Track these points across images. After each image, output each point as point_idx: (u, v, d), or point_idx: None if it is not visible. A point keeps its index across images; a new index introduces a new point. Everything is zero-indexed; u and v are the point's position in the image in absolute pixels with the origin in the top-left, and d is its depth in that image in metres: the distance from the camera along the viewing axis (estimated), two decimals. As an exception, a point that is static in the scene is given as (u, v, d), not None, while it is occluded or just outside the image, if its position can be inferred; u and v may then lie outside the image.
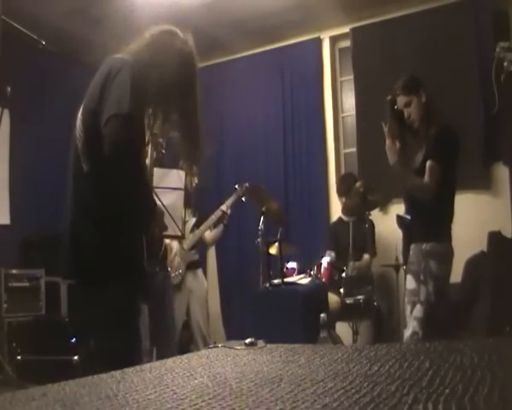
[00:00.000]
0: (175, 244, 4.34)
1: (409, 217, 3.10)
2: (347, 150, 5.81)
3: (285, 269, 4.47)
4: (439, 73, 4.81)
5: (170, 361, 1.80)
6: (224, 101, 6.09)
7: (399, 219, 3.18)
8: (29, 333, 4.38)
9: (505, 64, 3.39)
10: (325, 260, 4.38)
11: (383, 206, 5.00)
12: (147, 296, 2.16)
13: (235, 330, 5.56)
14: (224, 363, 1.70)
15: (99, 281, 2.03)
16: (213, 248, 6.03)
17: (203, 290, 4.60)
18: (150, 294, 2.20)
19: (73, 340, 4.17)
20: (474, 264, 4.18)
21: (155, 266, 3.21)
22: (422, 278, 2.91)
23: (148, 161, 2.25)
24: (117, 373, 1.54)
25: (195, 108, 2.19)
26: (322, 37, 5.77)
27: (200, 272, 4.62)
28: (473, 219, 4.47)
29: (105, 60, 2.11)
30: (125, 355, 1.96)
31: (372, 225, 4.66)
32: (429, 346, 1.87)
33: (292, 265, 4.70)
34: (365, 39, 5.46)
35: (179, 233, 2.78)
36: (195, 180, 4.56)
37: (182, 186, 2.90)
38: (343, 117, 5.91)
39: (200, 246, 4.72)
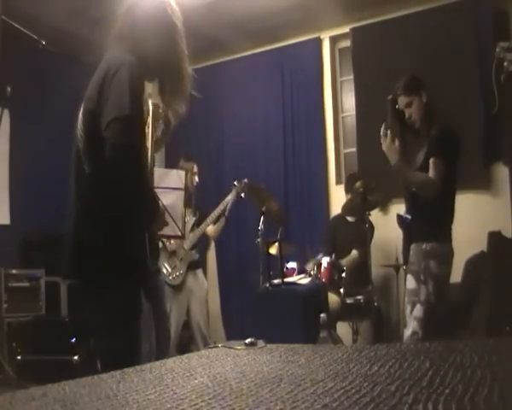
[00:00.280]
0: (175, 244, 4.35)
1: (409, 217, 3.10)
2: (347, 150, 5.82)
3: (285, 269, 4.47)
4: (439, 73, 4.81)
5: (170, 361, 1.79)
6: (223, 101, 6.09)
7: (400, 218, 3.18)
8: (29, 333, 4.38)
9: (505, 64, 3.39)
10: (325, 260, 4.38)
11: (383, 206, 5.00)
12: (149, 296, 2.16)
13: (235, 330, 5.55)
14: (224, 363, 1.70)
15: (101, 281, 2.03)
16: (213, 248, 6.04)
17: (203, 290, 4.60)
18: (152, 293, 2.19)
19: (73, 340, 4.17)
20: (474, 264, 4.18)
21: (156, 264, 3.21)
22: (422, 278, 2.91)
23: (148, 143, 2.24)
24: (117, 373, 1.54)
25: (181, 59, 2.18)
26: (322, 37, 5.77)
27: (200, 272, 4.62)
28: (473, 219, 4.47)
29: (103, 58, 2.11)
30: (126, 355, 1.96)
31: (372, 227, 4.65)
32: (429, 346, 1.87)
33: (292, 265, 4.70)
34: (365, 39, 5.46)
35: (179, 233, 2.78)
36: (196, 179, 4.57)
37: (182, 186, 2.90)
38: (343, 117, 5.91)
39: (201, 246, 4.72)
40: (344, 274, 4.37)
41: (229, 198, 4.48)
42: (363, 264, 4.51)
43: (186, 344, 4.55)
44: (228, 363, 1.69)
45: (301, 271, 4.55)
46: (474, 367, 1.38)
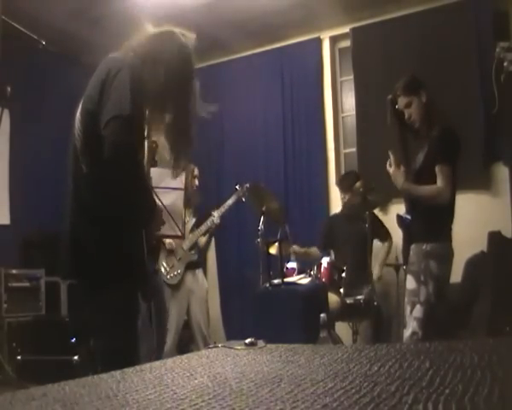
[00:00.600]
0: (174, 244, 4.35)
1: (409, 217, 3.11)
2: (347, 150, 5.81)
3: (285, 269, 4.47)
4: (439, 73, 4.81)
5: (170, 361, 1.80)
6: (224, 101, 6.06)
7: (400, 219, 3.18)
8: (29, 333, 4.38)
9: (505, 64, 3.40)
10: (325, 260, 4.38)
11: (383, 206, 5.00)
12: (148, 295, 2.16)
13: (235, 330, 5.55)
14: (224, 363, 1.70)
15: (99, 281, 2.03)
16: (213, 248, 6.04)
17: (203, 290, 4.60)
18: (150, 292, 2.20)
19: (73, 340, 4.17)
20: (474, 264, 4.18)
21: (154, 264, 3.22)
22: (422, 279, 2.91)
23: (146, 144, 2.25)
24: (117, 373, 1.54)
25: (188, 108, 2.20)
26: (322, 37, 5.77)
27: (200, 272, 4.62)
28: (473, 219, 4.47)
29: (103, 59, 2.11)
30: (125, 355, 1.96)
31: (374, 216, 4.63)
32: (429, 346, 1.87)
33: (292, 265, 4.69)
34: (365, 39, 5.46)
35: (179, 233, 2.78)
36: (196, 182, 4.57)
37: (182, 186, 2.90)
38: (343, 117, 5.91)
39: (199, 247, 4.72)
40: (344, 274, 4.37)
41: (230, 202, 4.48)
42: (363, 264, 4.51)
43: (186, 344, 4.55)
44: (228, 363, 1.69)
45: (301, 271, 4.55)
46: (474, 367, 1.38)
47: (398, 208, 3.42)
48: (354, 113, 5.61)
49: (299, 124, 5.81)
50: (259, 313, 3.87)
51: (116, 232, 2.01)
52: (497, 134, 4.71)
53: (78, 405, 1.16)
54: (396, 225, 3.25)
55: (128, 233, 2.04)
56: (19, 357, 4.21)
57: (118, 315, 2.00)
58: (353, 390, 1.19)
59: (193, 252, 4.50)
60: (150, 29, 2.19)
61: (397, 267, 4.64)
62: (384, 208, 5.03)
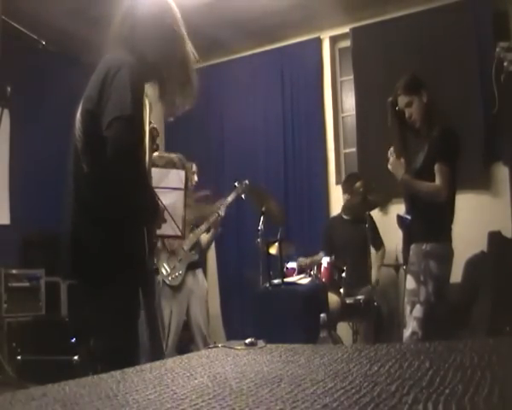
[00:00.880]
0: (175, 245, 4.35)
1: (409, 217, 3.11)
2: (347, 150, 5.81)
3: (285, 269, 4.46)
4: (439, 73, 4.81)
5: (170, 361, 1.80)
6: (223, 101, 6.09)
7: (400, 219, 3.18)
8: (29, 333, 4.37)
9: (505, 64, 3.40)
10: (325, 260, 4.38)
11: (383, 206, 5.00)
12: (147, 295, 2.16)
13: (235, 330, 5.55)
14: (224, 363, 1.70)
15: (99, 280, 2.03)
16: (213, 248, 6.03)
17: (203, 291, 4.60)
18: (150, 292, 2.19)
19: (73, 340, 4.17)
20: (474, 264, 4.18)
21: (154, 264, 3.21)
22: (422, 279, 2.91)
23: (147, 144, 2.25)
24: (117, 373, 1.54)
25: (187, 66, 2.19)
26: (322, 37, 5.77)
27: (200, 272, 4.61)
28: (473, 219, 4.47)
29: (103, 58, 2.11)
30: (125, 355, 1.96)
31: (372, 221, 4.66)
32: (429, 346, 1.87)
33: (292, 265, 4.70)
34: (365, 39, 5.46)
35: (179, 233, 2.78)
36: (195, 179, 4.57)
37: (182, 186, 2.90)
38: (343, 117, 5.91)
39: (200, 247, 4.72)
40: (344, 274, 4.37)
41: (230, 199, 4.48)
42: (363, 264, 4.52)
43: (186, 344, 4.54)
44: (228, 363, 1.69)
45: (301, 271, 4.55)
46: (474, 367, 1.38)
47: (398, 208, 3.42)
48: (354, 113, 5.61)
49: (299, 124, 5.81)
50: (259, 313, 3.87)
51: (117, 232, 2.01)
52: (497, 134, 4.71)
53: (78, 405, 1.16)
54: (396, 225, 3.24)
55: (129, 233, 2.04)
56: (19, 357, 4.21)
57: (118, 315, 2.00)
58: (353, 390, 1.19)
59: (193, 252, 4.49)
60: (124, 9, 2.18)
61: (397, 267, 4.65)
62: (384, 208, 5.04)
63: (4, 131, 4.70)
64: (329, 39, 5.80)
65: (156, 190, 2.36)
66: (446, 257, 2.99)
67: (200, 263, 4.73)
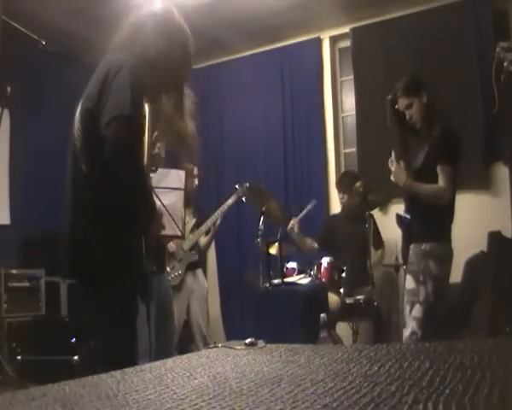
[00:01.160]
0: (175, 245, 4.35)
1: (408, 216, 3.11)
2: (347, 150, 5.81)
3: (285, 269, 4.46)
4: (439, 73, 4.81)
5: (170, 361, 1.80)
6: (223, 101, 6.08)
7: (399, 218, 3.18)
8: (29, 333, 4.37)
9: (505, 64, 3.40)
10: (325, 260, 4.38)
11: (383, 206, 5.00)
12: (147, 296, 2.16)
13: (235, 330, 5.55)
14: (224, 363, 1.70)
15: (99, 281, 2.03)
16: (213, 248, 6.03)
17: (203, 291, 4.60)
18: (150, 293, 2.19)
19: (73, 340, 4.17)
20: (474, 264, 4.18)
21: (154, 265, 3.21)
22: (422, 279, 2.91)
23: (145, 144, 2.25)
24: (117, 373, 1.54)
25: (181, 91, 2.21)
26: (322, 37, 5.77)
27: (200, 272, 4.62)
28: (473, 219, 4.47)
29: (103, 59, 2.11)
30: (125, 355, 1.96)
31: (373, 221, 4.67)
32: (429, 346, 1.87)
33: (292, 265, 4.69)
34: (365, 39, 5.46)
35: (179, 233, 2.78)
36: (196, 182, 4.57)
37: (182, 186, 2.90)
38: (343, 117, 5.91)
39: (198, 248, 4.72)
40: (344, 274, 4.37)
41: (230, 202, 4.48)
42: (363, 264, 4.52)
43: (186, 344, 4.55)
44: (228, 363, 1.69)
45: (301, 271, 4.55)
46: (474, 367, 1.38)
47: (398, 208, 3.42)
48: (354, 113, 5.61)
49: (299, 124, 5.80)
50: (259, 313, 3.87)
51: (115, 232, 2.01)
52: (497, 134, 4.71)
53: (78, 405, 1.16)
54: (396, 224, 3.24)
55: (127, 233, 2.04)
56: (19, 357, 4.21)
57: (117, 315, 2.00)
58: (353, 390, 1.19)
59: (193, 252, 4.50)
60: (142, 12, 2.19)
61: (397, 267, 4.65)
62: (384, 208, 5.04)
63: (4, 131, 4.70)
64: (329, 39, 5.79)
65: (156, 190, 2.36)
66: (446, 257, 2.99)
67: (200, 263, 4.74)
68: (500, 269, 3.88)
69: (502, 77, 3.48)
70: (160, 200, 2.31)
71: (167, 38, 2.13)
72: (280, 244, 4.30)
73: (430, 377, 1.29)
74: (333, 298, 4.23)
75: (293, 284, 4.14)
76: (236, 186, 4.53)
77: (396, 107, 3.12)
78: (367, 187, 4.36)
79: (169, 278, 4.30)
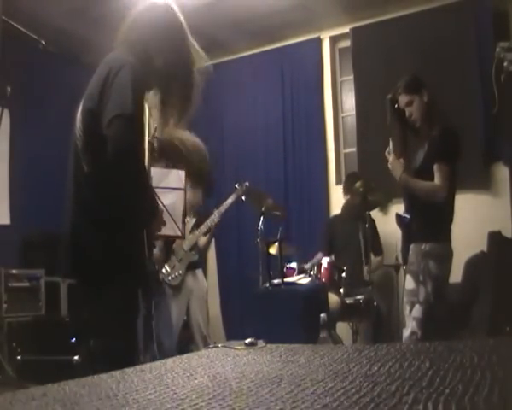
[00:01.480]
0: (175, 245, 4.34)
1: (408, 216, 3.11)
2: (347, 150, 5.81)
3: (285, 269, 4.46)
4: (439, 73, 4.81)
5: (170, 361, 1.79)
6: (224, 101, 6.08)
7: (399, 218, 3.18)
8: (29, 333, 4.37)
9: (505, 64, 3.39)
10: (325, 260, 4.38)
11: (383, 206, 5.00)
12: (148, 295, 2.16)
13: (235, 331, 5.55)
14: (224, 363, 1.70)
15: (99, 280, 2.03)
16: (213, 248, 6.03)
17: (203, 291, 4.59)
18: (151, 292, 2.19)
19: (73, 340, 4.17)
20: (473, 264, 4.18)
21: (155, 265, 3.22)
22: (421, 279, 2.91)
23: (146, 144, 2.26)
24: (117, 373, 1.54)
25: (191, 74, 2.22)
26: (322, 37, 5.77)
27: (200, 272, 4.61)
28: (473, 219, 4.47)
29: (104, 59, 2.11)
30: (125, 355, 1.96)
31: (373, 225, 4.67)
32: (429, 346, 1.87)
33: (292, 265, 4.69)
34: (365, 39, 5.46)
35: (179, 233, 2.78)
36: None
37: (182, 186, 2.90)
38: (343, 117, 5.91)
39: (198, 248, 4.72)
40: (344, 274, 4.37)
41: (230, 201, 4.48)
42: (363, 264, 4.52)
43: (186, 344, 4.54)
44: (228, 363, 1.69)
45: (301, 271, 4.55)
46: (474, 367, 1.38)
47: (398, 208, 3.42)
48: (354, 113, 5.61)
49: (299, 124, 5.80)
50: (259, 313, 3.87)
51: (117, 231, 2.01)
52: (497, 134, 4.71)
53: (78, 405, 1.16)
54: (395, 224, 3.24)
55: (128, 233, 2.04)
56: (19, 357, 4.21)
57: (118, 315, 2.00)
58: (353, 390, 1.19)
59: (193, 252, 4.49)
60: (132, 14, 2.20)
61: (397, 267, 4.65)
62: (384, 208, 5.04)
63: (4, 131, 4.70)
64: (329, 39, 5.79)
65: (156, 190, 2.36)
66: (445, 257, 2.99)
67: (201, 263, 4.73)
68: (500, 269, 3.88)
69: (502, 77, 3.48)
70: (160, 200, 2.31)
71: (165, 29, 2.14)
72: (280, 244, 4.30)
73: (430, 377, 1.29)
74: (333, 298, 4.23)
75: (293, 284, 4.13)
76: (236, 185, 4.52)
77: (396, 106, 3.12)
78: (367, 187, 4.36)
79: (169, 277, 4.31)
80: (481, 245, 4.13)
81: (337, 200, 5.30)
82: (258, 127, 5.96)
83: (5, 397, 1.25)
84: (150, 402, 1.16)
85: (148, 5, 2.20)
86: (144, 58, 2.08)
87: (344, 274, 4.38)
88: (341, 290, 4.32)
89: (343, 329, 4.68)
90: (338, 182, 5.60)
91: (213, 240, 5.58)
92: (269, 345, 2.05)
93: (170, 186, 2.79)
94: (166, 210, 2.36)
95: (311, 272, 4.31)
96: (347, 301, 4.30)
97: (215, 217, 4.45)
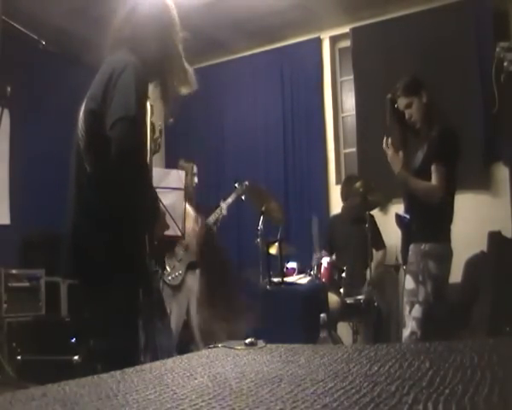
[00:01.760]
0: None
1: (408, 216, 3.11)
2: (347, 150, 5.81)
3: (285, 269, 4.46)
4: (439, 73, 4.81)
5: (170, 361, 1.79)
6: (224, 101, 6.09)
7: (398, 218, 3.18)
8: (29, 333, 4.37)
9: (505, 64, 3.39)
10: (325, 260, 4.38)
11: (383, 206, 5.00)
12: (150, 295, 2.16)
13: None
14: (224, 363, 1.70)
15: (100, 281, 2.03)
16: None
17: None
18: (152, 292, 2.19)
19: (73, 340, 4.17)
20: (474, 264, 4.18)
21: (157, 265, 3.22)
22: (421, 279, 2.91)
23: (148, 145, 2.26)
24: (117, 373, 1.53)
25: (180, 59, 2.22)
26: (322, 37, 5.77)
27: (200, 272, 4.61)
28: (473, 219, 4.47)
29: (106, 59, 2.11)
30: (125, 355, 1.96)
31: (374, 221, 4.67)
32: (429, 346, 1.87)
33: (292, 265, 4.69)
34: (365, 39, 5.46)
35: (179, 233, 2.78)
36: (195, 180, 4.58)
37: (182, 186, 2.90)
38: (343, 117, 5.91)
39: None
40: (344, 274, 4.37)
41: (230, 200, 4.49)
42: (363, 264, 4.52)
43: (186, 344, 4.55)
44: (228, 363, 1.69)
45: (301, 271, 4.55)
46: (474, 367, 1.38)
47: (398, 208, 3.42)
48: (354, 113, 5.62)
49: (299, 124, 5.81)
50: (259, 312, 3.87)
51: (118, 232, 2.01)
52: (497, 134, 4.71)
53: (78, 405, 1.16)
54: (395, 224, 3.24)
55: (130, 233, 2.04)
56: (19, 357, 4.20)
57: (118, 315, 2.00)
58: (353, 390, 1.19)
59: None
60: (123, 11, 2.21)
61: (397, 267, 4.65)
62: (384, 208, 5.04)
63: (4, 131, 4.70)
64: (329, 39, 5.80)
65: (156, 190, 2.36)
66: (445, 257, 2.99)
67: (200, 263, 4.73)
68: (500, 269, 3.88)
69: (502, 77, 3.48)
70: (160, 200, 2.32)
71: (161, 35, 2.15)
72: (280, 244, 4.31)
73: (430, 377, 1.29)
74: (333, 298, 4.23)
75: (293, 283, 4.14)
76: (236, 185, 4.53)
77: (396, 106, 3.12)
78: (367, 187, 4.36)
79: (169, 277, 4.31)
80: (481, 245, 4.14)
81: (337, 200, 5.30)
82: (258, 127, 5.96)
83: (5, 397, 1.24)
84: (150, 402, 1.15)
85: (141, 6, 2.21)
86: (139, 54, 2.09)
87: (344, 274, 4.38)
88: (341, 290, 4.32)
89: (343, 329, 4.69)
90: (338, 182, 5.61)
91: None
92: (269, 345, 2.04)
93: (170, 186, 2.80)
94: (167, 210, 2.37)
95: (311, 272, 4.31)
96: (347, 301, 4.30)
97: (215, 216, 4.45)
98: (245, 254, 5.60)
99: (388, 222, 4.62)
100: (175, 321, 4.29)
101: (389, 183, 3.28)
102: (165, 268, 4.13)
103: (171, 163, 4.84)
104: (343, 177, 5.56)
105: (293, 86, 5.86)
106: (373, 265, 4.58)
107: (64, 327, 4.35)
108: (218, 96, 5.97)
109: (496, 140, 4.75)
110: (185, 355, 1.99)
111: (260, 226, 4.42)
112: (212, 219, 4.47)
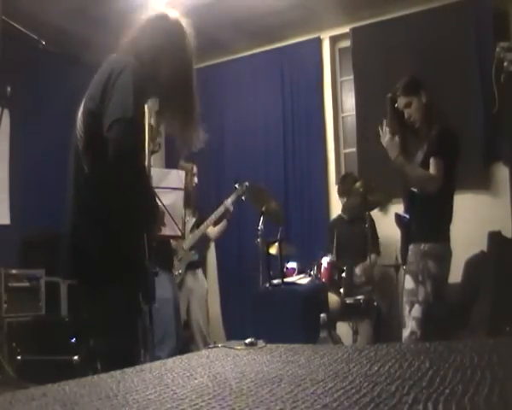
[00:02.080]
0: (175, 244, 4.35)
1: (407, 216, 3.11)
2: (347, 150, 5.81)
3: (285, 269, 4.46)
4: (439, 73, 4.81)
5: (170, 361, 1.79)
6: (224, 101, 6.09)
7: (398, 218, 3.19)
8: (29, 333, 4.37)
9: (505, 64, 3.39)
10: (325, 260, 4.38)
11: (383, 206, 5.00)
12: (149, 297, 2.16)
13: (235, 331, 5.55)
14: (224, 363, 1.70)
15: (99, 282, 2.03)
16: (213, 248, 6.03)
17: (203, 290, 4.60)
18: (151, 294, 2.19)
19: (73, 340, 4.17)
20: (473, 264, 4.18)
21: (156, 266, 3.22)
22: (421, 279, 2.91)
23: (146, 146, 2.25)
24: (117, 373, 1.54)
25: (192, 93, 2.20)
26: (322, 37, 5.77)
27: (199, 272, 4.62)
28: (473, 219, 4.47)
29: (106, 59, 2.11)
30: (125, 355, 1.96)
31: (373, 224, 4.67)
32: (429, 346, 1.87)
33: (292, 265, 4.69)
34: (365, 39, 5.46)
35: (179, 233, 2.78)
36: (195, 180, 4.57)
37: (182, 186, 2.90)
38: (343, 117, 5.91)
39: (200, 246, 4.72)
40: (344, 274, 4.37)
41: (230, 200, 4.49)
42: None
43: (186, 344, 4.55)
44: (228, 363, 1.69)
45: (301, 271, 4.55)
46: (474, 367, 1.38)
47: (398, 208, 3.42)
48: (354, 113, 5.61)
49: (299, 124, 5.81)
50: (259, 313, 3.87)
51: (117, 233, 2.01)
52: (497, 134, 4.71)
53: (78, 405, 1.16)
54: (395, 224, 3.24)
55: (129, 234, 2.04)
56: (19, 357, 4.20)
57: (118, 315, 2.00)
58: (353, 390, 1.19)
59: (193, 252, 4.50)
60: (142, 20, 2.20)
61: (396, 267, 4.65)
62: (384, 208, 5.04)
63: (4, 131, 4.70)
64: (329, 39, 5.80)
65: (156, 190, 2.36)
66: (445, 257, 2.99)
67: (200, 263, 4.74)
68: (500, 269, 3.88)
69: (502, 77, 3.48)
70: (160, 200, 2.32)
71: (170, 41, 2.14)
72: (280, 244, 4.31)
73: (430, 377, 1.29)
74: (333, 298, 4.23)
75: (293, 284, 4.14)
76: (236, 185, 4.53)
77: (395, 105, 3.12)
78: (367, 187, 4.36)
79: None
80: (481, 245, 4.13)
81: (337, 200, 5.30)
82: (258, 127, 5.96)
83: (5, 397, 1.25)
84: (150, 402, 1.16)
85: (159, 15, 2.20)
86: (149, 66, 2.08)
87: (344, 274, 4.38)
88: (341, 290, 4.32)
89: (343, 329, 4.68)
90: (338, 182, 5.60)
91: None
92: (269, 345, 2.05)
93: (170, 186, 2.80)
94: (166, 210, 2.37)
95: (311, 272, 4.31)
96: (347, 301, 4.30)
97: (214, 216, 4.44)
98: (245, 255, 5.60)
99: (388, 222, 4.61)
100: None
101: (389, 183, 3.28)
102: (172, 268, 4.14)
103: (171, 163, 4.84)
104: (343, 177, 5.56)
105: (293, 86, 5.86)
106: (363, 265, 4.58)
107: (64, 327, 4.35)
108: (218, 96, 5.97)
109: (496, 140, 4.75)
110: (185, 355, 1.99)
111: (260, 226, 4.42)
112: (202, 228, 4.47)
